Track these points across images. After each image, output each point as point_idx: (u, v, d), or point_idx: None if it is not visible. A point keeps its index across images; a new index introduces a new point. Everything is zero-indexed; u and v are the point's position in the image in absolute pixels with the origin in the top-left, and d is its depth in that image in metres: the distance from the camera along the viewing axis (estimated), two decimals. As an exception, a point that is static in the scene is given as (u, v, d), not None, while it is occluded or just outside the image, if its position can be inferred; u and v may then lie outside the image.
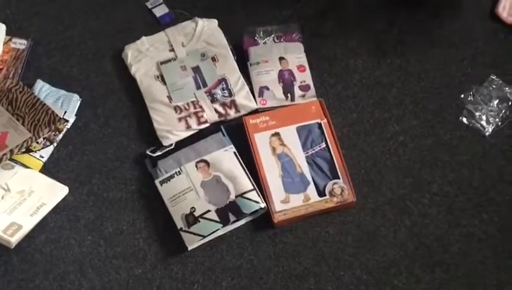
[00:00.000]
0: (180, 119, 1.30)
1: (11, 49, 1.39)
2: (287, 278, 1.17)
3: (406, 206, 1.23)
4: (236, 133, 1.29)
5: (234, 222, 1.19)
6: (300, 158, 1.25)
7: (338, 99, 1.35)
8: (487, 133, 1.30)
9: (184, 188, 1.21)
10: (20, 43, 1.40)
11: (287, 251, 1.19)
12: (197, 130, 1.30)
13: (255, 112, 1.32)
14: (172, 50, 1.39)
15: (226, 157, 1.25)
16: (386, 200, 1.24)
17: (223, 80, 1.34)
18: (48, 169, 1.28)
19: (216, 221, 1.18)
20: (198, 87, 1.34)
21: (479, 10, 1.46)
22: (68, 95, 1.34)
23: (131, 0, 1.49)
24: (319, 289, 1.15)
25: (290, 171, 1.24)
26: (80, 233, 1.21)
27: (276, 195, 1.21)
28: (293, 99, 1.34)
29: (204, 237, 1.17)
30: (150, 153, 1.27)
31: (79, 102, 1.34)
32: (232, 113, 1.31)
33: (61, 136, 1.31)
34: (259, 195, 1.21)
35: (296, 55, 1.38)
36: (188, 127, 1.30)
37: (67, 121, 1.31)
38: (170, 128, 1.29)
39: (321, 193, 1.21)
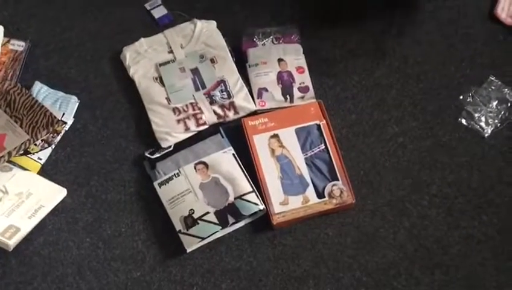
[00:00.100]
0: (178, 121, 1.30)
1: (9, 50, 1.39)
2: (286, 280, 1.17)
3: (405, 207, 1.23)
4: (235, 134, 1.28)
5: (233, 223, 1.18)
6: (299, 160, 1.25)
7: (337, 101, 1.35)
8: (486, 135, 1.30)
9: (183, 190, 1.21)
10: (18, 45, 1.40)
11: (286, 253, 1.19)
12: (195, 132, 1.30)
13: (254, 113, 1.32)
14: (171, 52, 1.38)
15: (224, 159, 1.25)
16: (385, 201, 1.24)
17: (222, 81, 1.34)
18: (46, 171, 1.27)
19: (215, 223, 1.17)
20: (197, 89, 1.34)
21: (478, 11, 1.46)
22: (66, 97, 1.34)
23: (130, 2, 1.49)
24: (318, 291, 1.16)
25: (289, 173, 1.23)
26: (78, 235, 1.21)
27: (275, 197, 1.21)
28: (292, 100, 1.33)
29: (203, 239, 1.17)
30: (148, 155, 1.27)
31: (77, 104, 1.34)
32: (230, 115, 1.31)
33: (59, 138, 1.30)
34: (258, 197, 1.21)
35: (295, 57, 1.38)
36: (187, 128, 1.29)
37: (65, 123, 1.31)
38: (169, 130, 1.29)
39: (320, 195, 1.21)
